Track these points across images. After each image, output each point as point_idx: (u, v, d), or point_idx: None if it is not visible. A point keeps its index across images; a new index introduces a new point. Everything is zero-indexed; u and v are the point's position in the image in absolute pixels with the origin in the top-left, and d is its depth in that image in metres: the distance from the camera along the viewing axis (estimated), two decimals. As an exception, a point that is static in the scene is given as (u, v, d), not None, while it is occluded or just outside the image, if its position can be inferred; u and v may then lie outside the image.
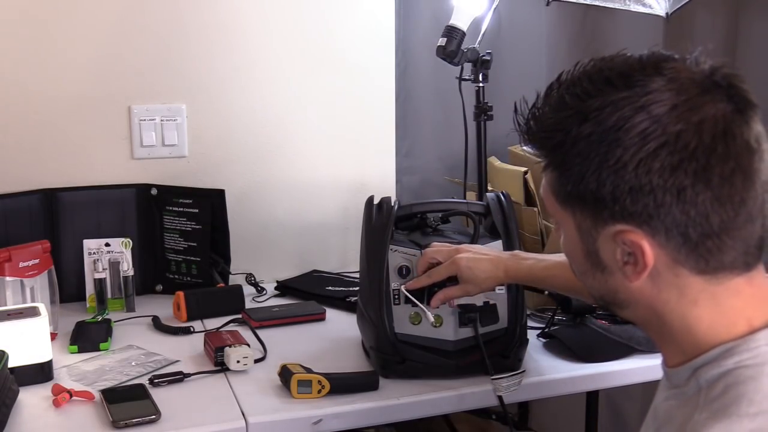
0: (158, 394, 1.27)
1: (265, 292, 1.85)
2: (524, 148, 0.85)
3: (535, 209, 1.70)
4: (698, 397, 0.78)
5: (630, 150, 0.75)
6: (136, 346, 1.50)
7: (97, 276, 1.70)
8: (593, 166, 0.77)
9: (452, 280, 1.29)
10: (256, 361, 1.39)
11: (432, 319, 1.30)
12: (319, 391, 1.26)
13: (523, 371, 1.30)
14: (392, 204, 1.37)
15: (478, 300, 1.32)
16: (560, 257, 1.26)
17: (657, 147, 0.74)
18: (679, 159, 0.74)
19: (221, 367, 1.37)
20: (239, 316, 1.63)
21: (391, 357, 1.32)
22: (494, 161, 1.87)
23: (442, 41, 1.66)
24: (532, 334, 1.44)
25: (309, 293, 1.81)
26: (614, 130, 0.76)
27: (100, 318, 1.64)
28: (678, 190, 0.75)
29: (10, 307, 1.44)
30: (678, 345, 0.82)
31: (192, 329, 1.58)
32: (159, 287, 1.85)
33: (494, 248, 1.36)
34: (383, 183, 2.06)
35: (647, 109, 0.75)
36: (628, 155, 0.75)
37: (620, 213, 0.78)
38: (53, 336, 1.50)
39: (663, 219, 0.76)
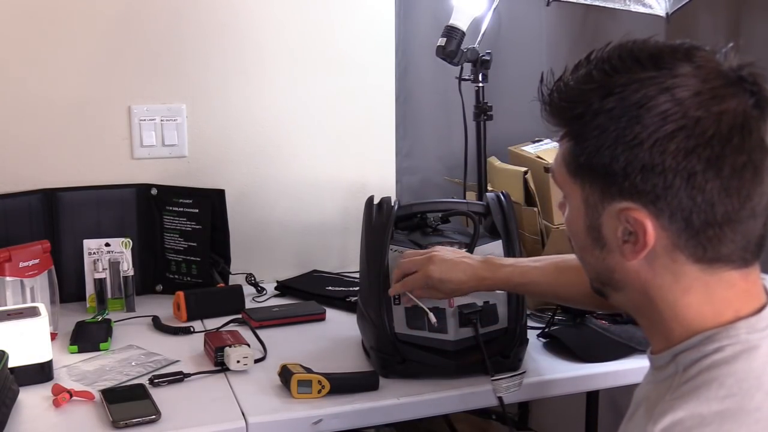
0: (158, 394, 1.27)
1: (265, 292, 1.85)
2: (543, 118, 0.87)
3: (535, 209, 1.70)
4: (673, 380, 0.79)
5: (648, 128, 0.76)
6: (136, 346, 1.50)
7: (97, 276, 1.70)
8: (610, 140, 0.79)
9: None
10: (256, 361, 1.39)
11: (434, 320, 1.29)
12: (319, 391, 1.26)
13: (523, 372, 1.30)
14: (392, 204, 1.37)
15: (479, 300, 1.32)
16: (539, 261, 1.26)
17: (675, 129, 0.76)
18: (695, 144, 0.76)
19: (221, 367, 1.37)
20: (239, 316, 1.63)
21: (391, 357, 1.32)
22: (494, 161, 1.87)
23: (442, 41, 1.66)
24: (532, 334, 1.44)
25: (309, 293, 1.81)
26: (636, 107, 0.77)
27: (100, 318, 1.63)
28: (689, 174, 0.76)
29: (10, 307, 1.44)
30: (665, 332, 0.83)
31: (192, 329, 1.58)
32: (159, 287, 1.85)
33: (494, 248, 1.36)
34: (383, 183, 2.06)
35: (672, 92, 0.77)
36: (646, 133, 0.77)
37: (629, 190, 0.79)
38: (53, 336, 1.50)
39: (669, 201, 0.77)
